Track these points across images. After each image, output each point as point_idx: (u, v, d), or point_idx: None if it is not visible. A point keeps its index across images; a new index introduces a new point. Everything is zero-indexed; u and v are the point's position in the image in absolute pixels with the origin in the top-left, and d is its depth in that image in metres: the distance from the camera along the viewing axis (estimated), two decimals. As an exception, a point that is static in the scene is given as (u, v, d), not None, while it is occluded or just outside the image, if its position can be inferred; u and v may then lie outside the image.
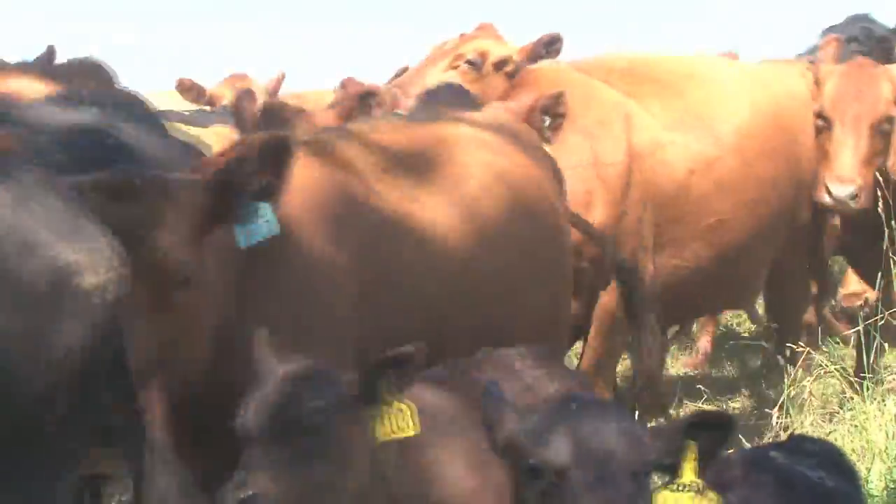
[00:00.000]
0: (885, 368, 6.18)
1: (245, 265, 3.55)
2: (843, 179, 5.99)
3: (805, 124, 6.39)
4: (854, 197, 5.97)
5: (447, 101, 5.41)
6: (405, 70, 7.34)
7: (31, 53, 4.98)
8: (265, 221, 3.49)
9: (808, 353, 6.06)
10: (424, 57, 7.25)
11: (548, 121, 5.24)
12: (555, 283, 4.51)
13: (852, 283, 7.88)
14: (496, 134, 4.56)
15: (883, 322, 6.11)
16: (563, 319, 4.66)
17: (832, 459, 3.45)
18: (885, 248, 6.06)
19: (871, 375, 5.94)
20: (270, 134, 3.58)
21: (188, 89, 9.27)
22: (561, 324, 4.64)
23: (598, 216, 5.54)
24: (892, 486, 5.25)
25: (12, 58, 6.35)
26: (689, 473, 2.76)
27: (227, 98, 8.63)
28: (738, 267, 6.17)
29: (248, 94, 6.42)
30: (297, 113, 5.84)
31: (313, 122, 5.55)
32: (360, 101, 5.86)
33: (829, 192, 6.01)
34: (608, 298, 5.66)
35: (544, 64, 6.37)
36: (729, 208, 5.96)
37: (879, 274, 6.20)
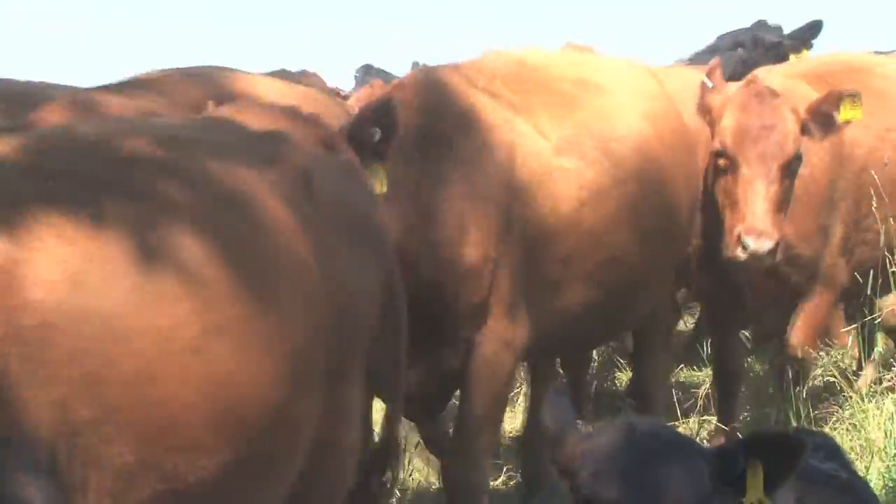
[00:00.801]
0: (884, 367, 6.20)
1: None
2: (761, 233, 5.25)
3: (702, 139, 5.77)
4: (772, 252, 5.28)
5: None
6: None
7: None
8: None
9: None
10: None
11: (378, 134, 4.53)
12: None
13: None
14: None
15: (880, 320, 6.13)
16: None
17: (837, 453, 3.49)
18: (882, 248, 6.03)
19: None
20: None
21: None
22: None
23: (468, 257, 4.91)
24: (891, 485, 5.28)
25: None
26: (753, 494, 2.67)
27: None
28: (627, 303, 5.52)
29: None
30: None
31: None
32: None
33: (744, 247, 5.28)
34: (488, 349, 5.04)
35: (420, 70, 5.71)
36: (623, 242, 5.27)
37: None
